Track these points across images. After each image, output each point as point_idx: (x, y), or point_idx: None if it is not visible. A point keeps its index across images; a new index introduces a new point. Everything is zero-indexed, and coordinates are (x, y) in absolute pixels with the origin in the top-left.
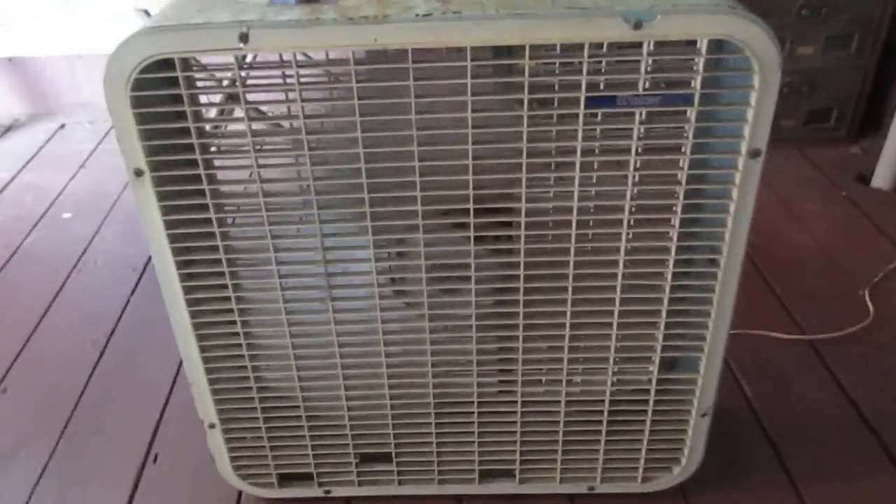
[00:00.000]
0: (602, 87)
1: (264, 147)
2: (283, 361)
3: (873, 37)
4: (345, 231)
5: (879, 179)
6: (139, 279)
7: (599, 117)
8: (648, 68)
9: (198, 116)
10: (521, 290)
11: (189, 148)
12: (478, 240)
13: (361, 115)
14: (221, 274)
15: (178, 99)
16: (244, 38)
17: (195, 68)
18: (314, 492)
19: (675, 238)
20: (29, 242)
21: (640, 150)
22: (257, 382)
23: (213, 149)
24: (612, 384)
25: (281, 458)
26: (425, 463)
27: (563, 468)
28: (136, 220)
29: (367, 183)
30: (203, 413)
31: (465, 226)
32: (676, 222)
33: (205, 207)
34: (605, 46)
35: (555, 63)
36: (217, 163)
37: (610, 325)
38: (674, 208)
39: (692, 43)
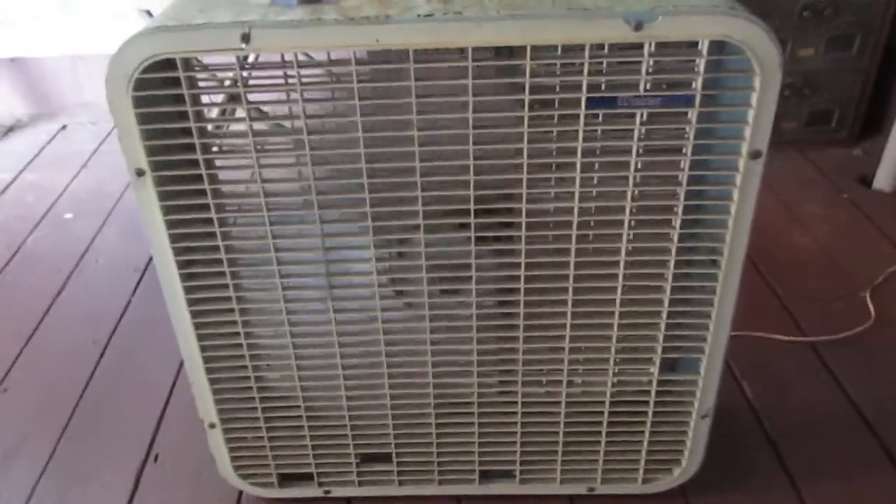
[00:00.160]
0: (603, 88)
1: (266, 147)
2: (284, 361)
3: (875, 38)
4: (346, 231)
5: (881, 181)
6: (140, 279)
7: (600, 118)
8: (649, 69)
9: (199, 116)
10: (522, 290)
11: (190, 148)
12: (478, 240)
13: (362, 116)
14: (222, 274)
15: (179, 99)
16: (246, 38)
17: (197, 68)
18: (314, 492)
19: (675, 239)
20: (30, 242)
21: (640, 151)
22: (258, 382)
23: (214, 149)
24: (613, 385)
25: (281, 458)
26: (425, 463)
27: (563, 469)
28: (137, 221)
29: (367, 183)
30: (203, 413)
31: (465, 226)
32: (677, 223)
33: (206, 207)
34: (605, 47)
35: (556, 64)
36: (218, 163)
37: (611, 326)
38: (675, 209)
39: (693, 44)
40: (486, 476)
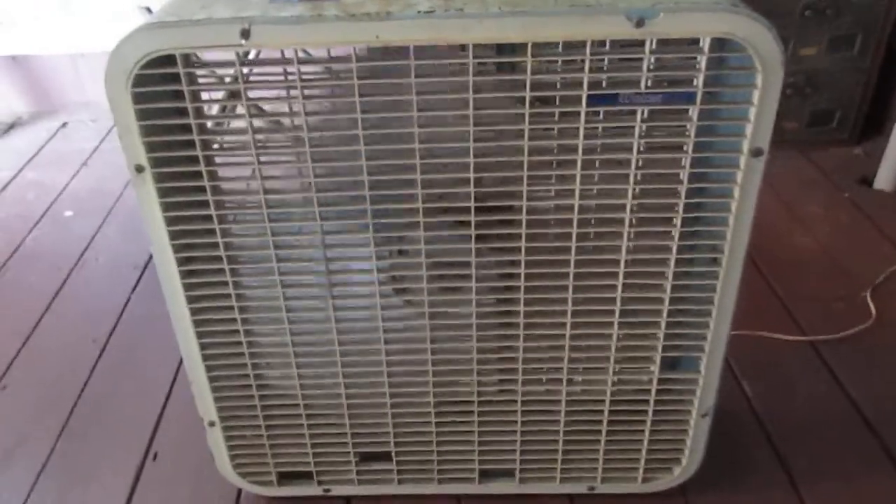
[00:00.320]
0: (604, 85)
1: (265, 144)
2: (284, 359)
3: (876, 38)
4: (345, 229)
5: (882, 181)
6: (140, 277)
7: (601, 116)
8: (651, 66)
9: (199, 113)
10: (522, 288)
11: (190, 144)
12: (479, 238)
13: (363, 112)
14: (222, 271)
15: (179, 95)
16: (245, 34)
17: (196, 65)
18: (314, 490)
19: (676, 237)
20: (30, 240)
21: (641, 148)
22: (257, 380)
23: (215, 146)
24: (613, 383)
25: (281, 456)
26: (425, 462)
27: (563, 468)
28: (137, 219)
29: (367, 180)
30: (203, 411)
31: (466, 224)
32: (678, 221)
33: (205, 204)
34: (607, 44)
35: (557, 61)
36: (218, 159)
37: (611, 324)
38: (676, 207)
39: (695, 41)
40: (485, 475)
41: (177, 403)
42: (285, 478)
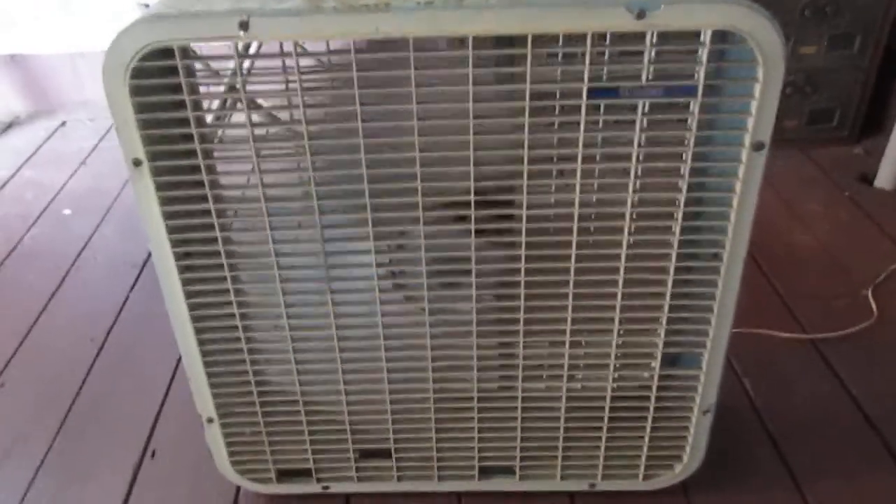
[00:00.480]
0: (605, 78)
1: (265, 138)
2: (282, 355)
3: (876, 37)
4: (345, 223)
5: (882, 180)
6: (138, 276)
7: (602, 110)
8: (651, 60)
9: (197, 106)
10: (523, 284)
11: (188, 138)
12: (478, 233)
13: (362, 105)
14: (220, 266)
15: (177, 88)
16: (244, 26)
17: (193, 57)
18: (313, 487)
19: (677, 232)
20: (29, 239)
21: (642, 142)
22: (256, 376)
23: (216, 141)
24: (614, 380)
25: (279, 452)
26: (425, 459)
27: (563, 465)
28: (135, 217)
29: (367, 173)
30: (201, 407)
31: (465, 219)
32: (679, 216)
33: (203, 198)
34: (608, 38)
35: (557, 54)
36: (217, 154)
37: (612, 320)
38: (676, 202)
39: (696, 34)
40: (486, 472)
41: (175, 402)
42: (284, 475)
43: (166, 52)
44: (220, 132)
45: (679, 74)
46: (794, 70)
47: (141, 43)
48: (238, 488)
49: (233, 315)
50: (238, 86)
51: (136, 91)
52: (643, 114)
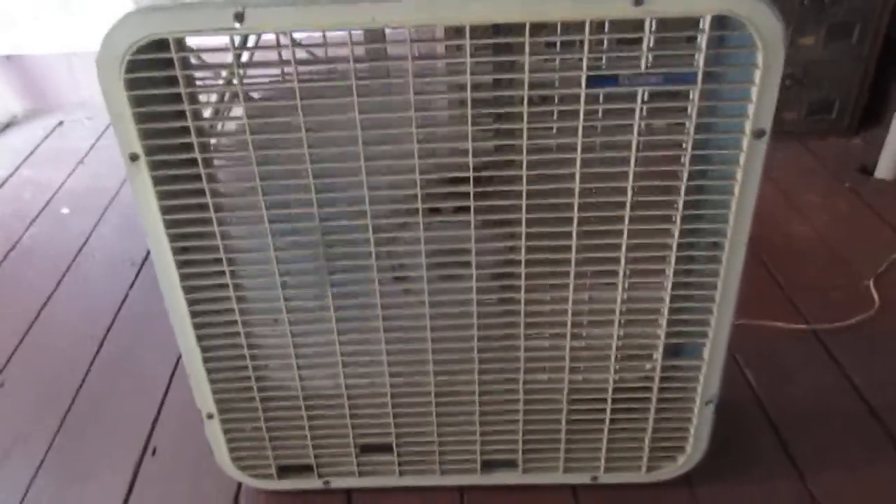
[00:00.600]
0: (604, 66)
1: (260, 129)
2: (282, 350)
3: (875, 26)
4: (343, 214)
5: (882, 170)
6: (137, 274)
7: (601, 99)
8: (650, 47)
9: (193, 99)
10: (523, 275)
11: (185, 131)
12: (478, 223)
13: (359, 98)
14: (219, 261)
15: (173, 81)
16: (239, 17)
17: (187, 49)
18: (314, 483)
19: (678, 220)
20: (27, 238)
21: (642, 130)
22: (255, 371)
23: (213, 142)
24: (616, 371)
25: (280, 448)
26: (427, 453)
27: (566, 458)
28: (133, 216)
29: (365, 166)
30: (201, 403)
31: (465, 210)
32: (680, 204)
33: (201, 192)
34: (606, 26)
35: (556, 43)
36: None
37: (613, 311)
38: (677, 190)
39: (694, 20)
40: (488, 465)
41: (175, 400)
42: (285, 471)
43: (161, 45)
44: (219, 125)
45: (678, 62)
46: (792, 61)
47: (135, 35)
48: (239, 485)
49: (232, 310)
50: (235, 79)
51: (131, 85)
52: (643, 102)
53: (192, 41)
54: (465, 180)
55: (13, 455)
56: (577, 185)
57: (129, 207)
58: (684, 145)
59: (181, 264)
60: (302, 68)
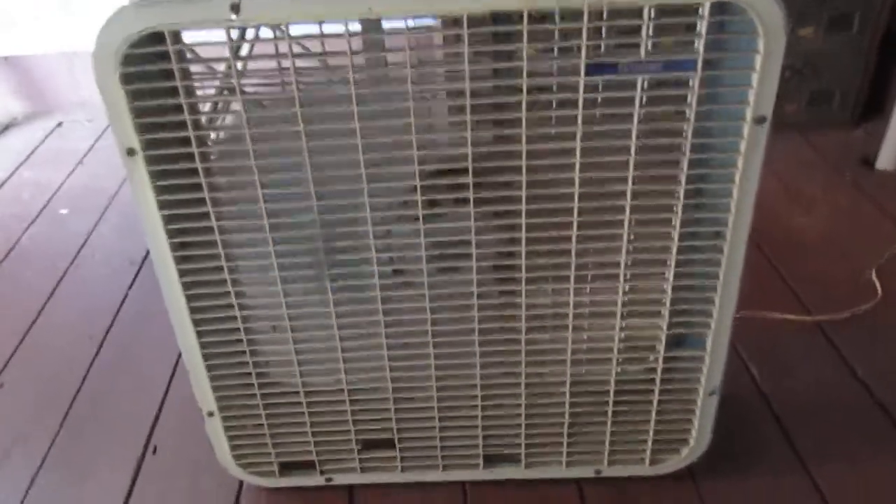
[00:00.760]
0: (602, 53)
1: (259, 122)
2: (282, 346)
3: (874, 18)
4: (343, 207)
5: (883, 161)
6: (137, 273)
7: (600, 87)
8: (650, 34)
9: (190, 92)
10: (524, 267)
11: (182, 125)
12: (478, 214)
13: (357, 88)
14: (217, 256)
15: (169, 75)
16: (235, 8)
17: (186, 46)
18: (316, 480)
19: (679, 210)
20: (26, 239)
21: (642, 118)
22: (256, 368)
23: (212, 138)
24: (618, 363)
25: (281, 445)
26: (428, 448)
27: (569, 452)
28: (133, 216)
29: (363, 159)
30: (201, 401)
31: (464, 202)
32: (681, 193)
33: (199, 187)
34: (604, 13)
35: (554, 31)
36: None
37: (615, 302)
38: (678, 179)
39: (694, 7)
40: (490, 460)
41: (175, 399)
42: (286, 468)
43: (157, 38)
44: (220, 120)
45: (678, 49)
46: (792, 53)
47: (131, 29)
48: (240, 483)
49: (231, 305)
50: (231, 73)
51: (127, 79)
52: (642, 90)
53: (189, 36)
54: (463, 172)
55: (13, 455)
56: (576, 175)
57: (129, 207)
58: (685, 133)
59: (179, 260)
60: (299, 63)
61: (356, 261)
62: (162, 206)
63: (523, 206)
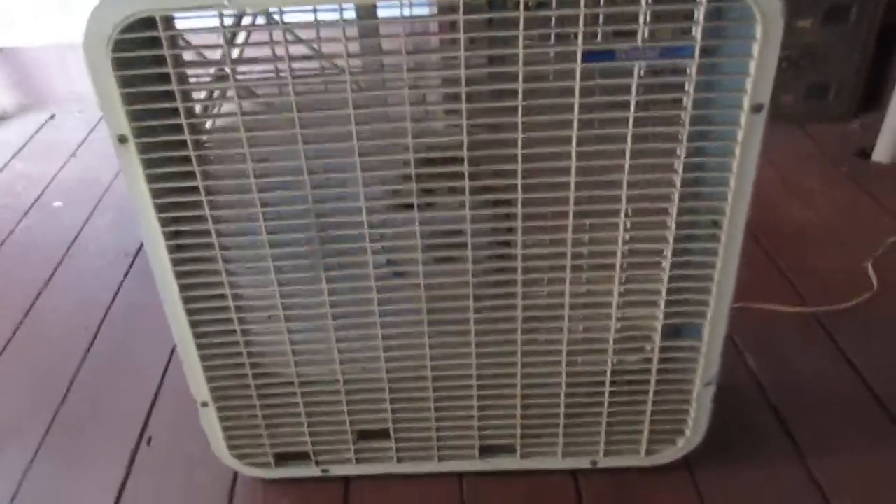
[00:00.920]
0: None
1: (254, 112)
2: (277, 336)
3: (872, 9)
4: (337, 196)
5: (880, 154)
6: (131, 265)
7: (597, 77)
8: (647, 19)
9: (182, 79)
10: (520, 256)
11: (174, 112)
12: (473, 204)
13: (352, 77)
14: (211, 245)
15: (161, 61)
16: None
17: (178, 31)
18: (311, 471)
19: (676, 199)
20: (20, 231)
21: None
22: (250, 358)
23: (206, 126)
24: (615, 352)
25: (276, 436)
26: (425, 439)
27: (565, 442)
28: (126, 208)
29: (358, 146)
30: (196, 391)
31: (459, 191)
32: (678, 182)
33: (191, 175)
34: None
35: (551, 17)
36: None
37: (611, 292)
38: (675, 167)
39: None
40: (487, 451)
41: (170, 390)
42: (282, 459)
43: (149, 23)
44: (214, 108)
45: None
46: (789, 44)
47: (122, 14)
48: (235, 473)
49: (225, 295)
50: (224, 59)
51: (119, 64)
52: (639, 77)
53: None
54: (459, 160)
55: (7, 447)
56: (573, 164)
57: (123, 199)
58: (682, 121)
59: (173, 249)
60: (293, 50)
61: (352, 250)
62: (154, 194)
63: (519, 196)
